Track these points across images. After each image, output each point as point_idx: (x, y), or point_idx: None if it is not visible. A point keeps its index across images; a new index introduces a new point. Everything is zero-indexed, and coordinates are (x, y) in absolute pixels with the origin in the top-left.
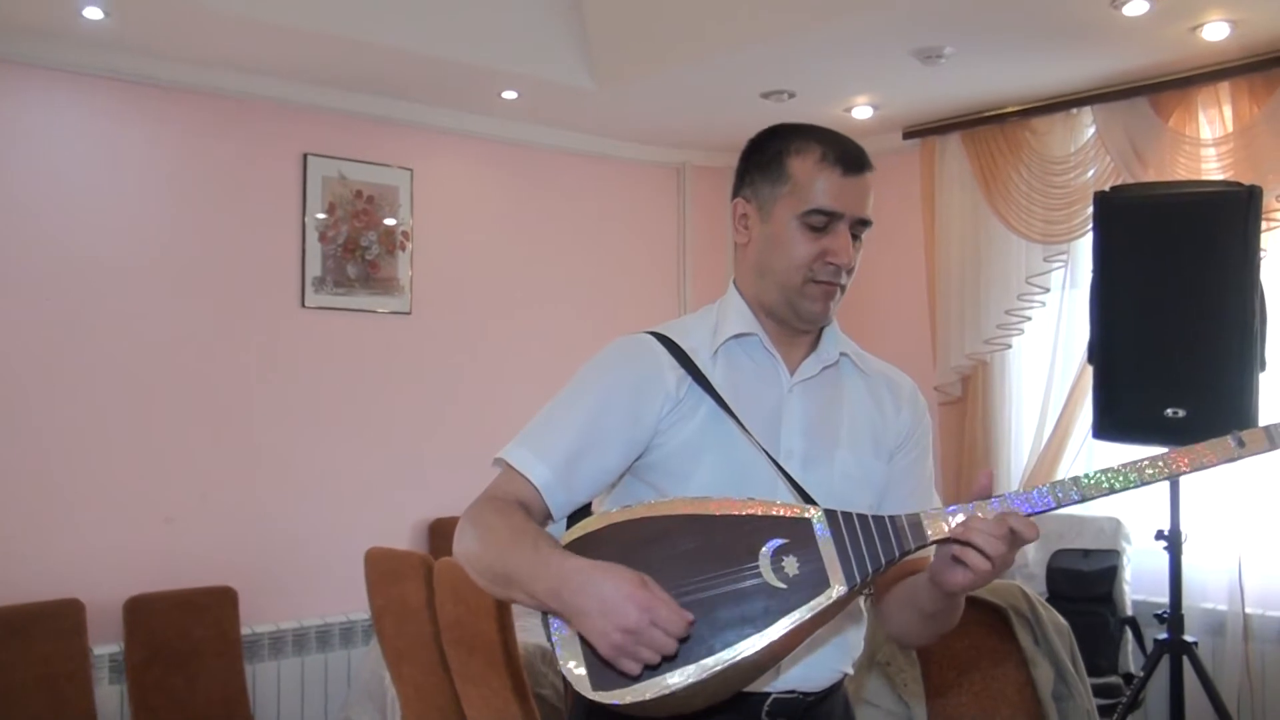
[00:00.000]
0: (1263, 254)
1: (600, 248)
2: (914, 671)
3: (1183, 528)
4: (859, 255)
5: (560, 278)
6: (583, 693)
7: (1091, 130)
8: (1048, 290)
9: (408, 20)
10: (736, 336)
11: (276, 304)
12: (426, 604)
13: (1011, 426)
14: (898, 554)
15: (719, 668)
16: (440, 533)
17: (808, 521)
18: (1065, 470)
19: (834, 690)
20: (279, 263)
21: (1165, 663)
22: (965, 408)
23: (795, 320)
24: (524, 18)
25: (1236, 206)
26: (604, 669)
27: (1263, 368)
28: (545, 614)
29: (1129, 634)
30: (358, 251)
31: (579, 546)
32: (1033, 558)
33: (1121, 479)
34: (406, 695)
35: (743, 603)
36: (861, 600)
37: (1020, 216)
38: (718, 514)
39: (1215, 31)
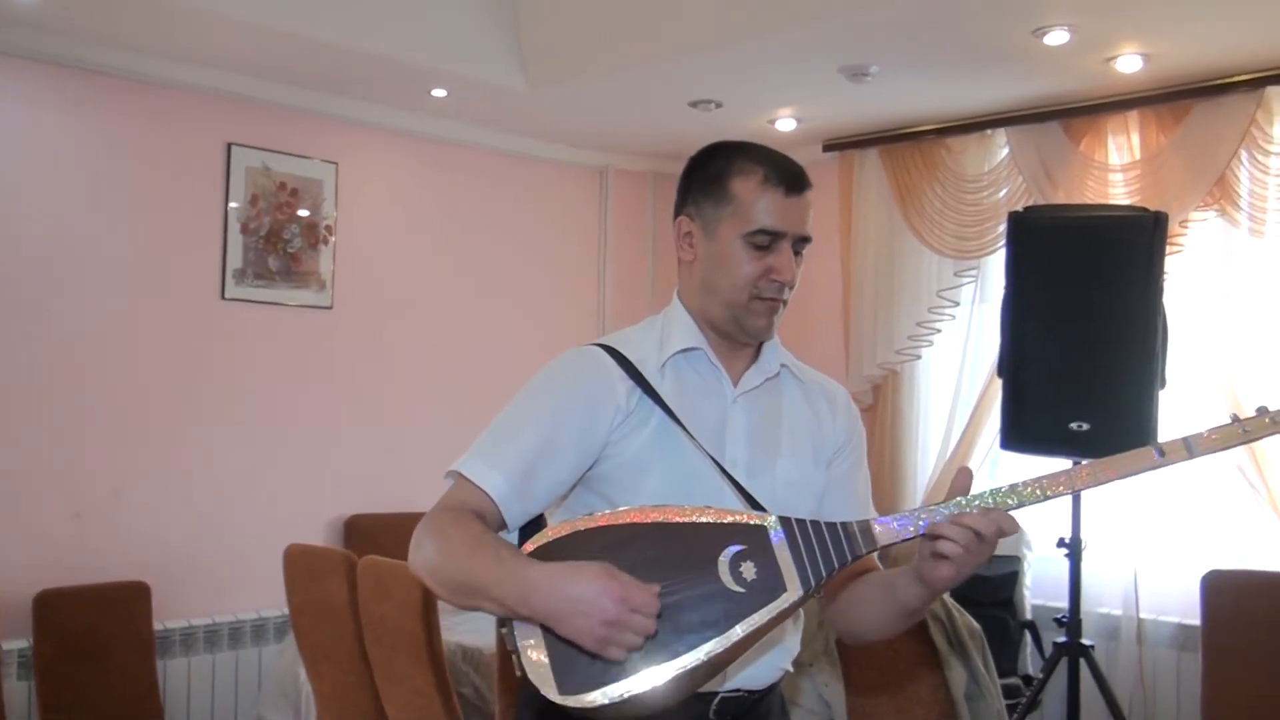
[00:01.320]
0: (1165, 277)
1: (523, 248)
2: (835, 672)
3: (1082, 536)
4: (800, 271)
5: (482, 277)
6: (549, 697)
7: (1005, 151)
8: (958, 304)
9: (339, 13)
10: (683, 350)
11: (196, 295)
12: (348, 602)
13: (919, 435)
14: (850, 558)
15: (682, 670)
16: (356, 530)
17: (764, 528)
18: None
19: (774, 687)
20: (200, 253)
21: (1063, 665)
22: (876, 415)
23: (740, 335)
24: (458, 17)
25: (1143, 231)
26: (570, 673)
27: (1163, 385)
28: (508, 623)
29: (1028, 637)
30: (279, 244)
31: (543, 554)
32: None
33: (1055, 486)
34: (323, 693)
35: (703, 607)
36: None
37: (933, 231)
38: (677, 521)
39: (1129, 63)
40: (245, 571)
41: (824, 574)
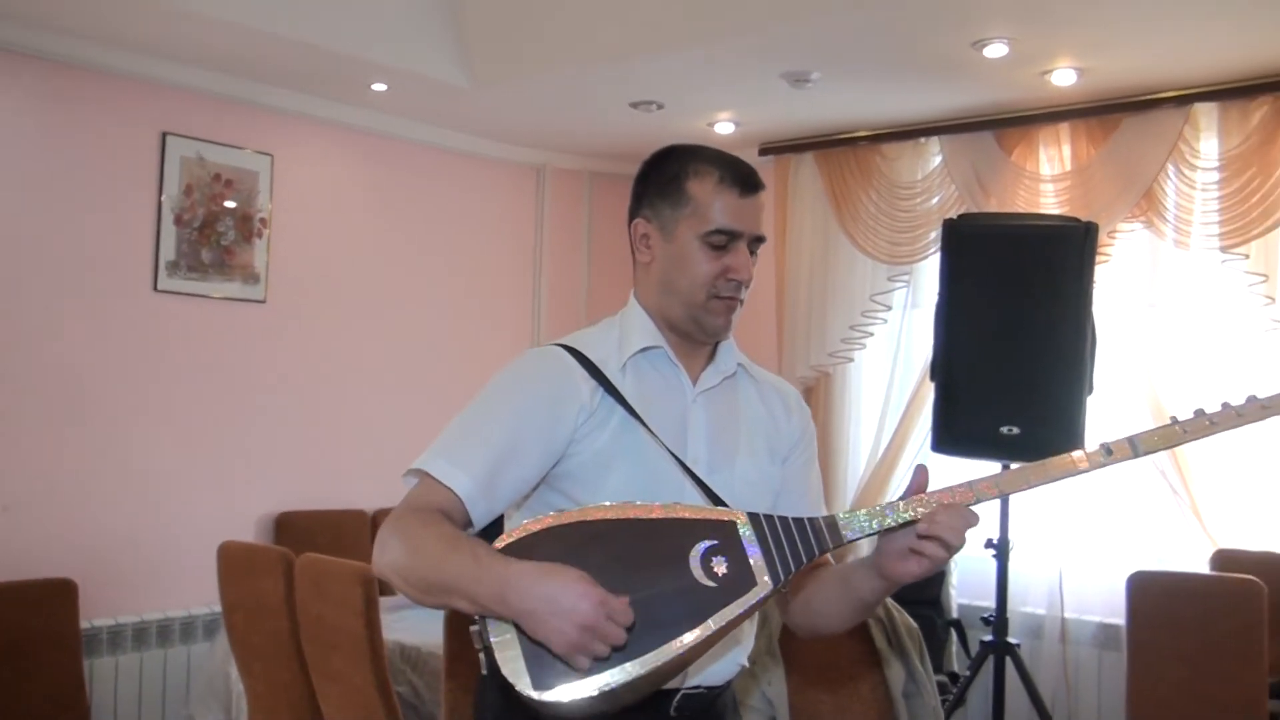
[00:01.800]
0: (1094, 286)
1: (460, 244)
2: (778, 671)
3: (1010, 537)
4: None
5: (418, 272)
6: (524, 693)
7: (939, 159)
8: (890, 308)
9: (281, 3)
10: (644, 350)
11: (128, 286)
12: (284, 600)
13: (851, 437)
14: (817, 552)
15: (657, 664)
16: (286, 527)
17: (733, 524)
18: (899, 481)
19: (730, 684)
20: (132, 244)
21: (989, 662)
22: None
23: (699, 334)
24: (400, 10)
25: (1074, 240)
26: (544, 670)
27: (1091, 391)
28: (480, 620)
29: (954, 636)
30: (213, 236)
31: (514, 552)
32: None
33: (1012, 483)
34: (256, 692)
35: (676, 602)
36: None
37: (867, 236)
38: (648, 518)
39: (1063, 77)
40: (175, 568)
41: (793, 568)
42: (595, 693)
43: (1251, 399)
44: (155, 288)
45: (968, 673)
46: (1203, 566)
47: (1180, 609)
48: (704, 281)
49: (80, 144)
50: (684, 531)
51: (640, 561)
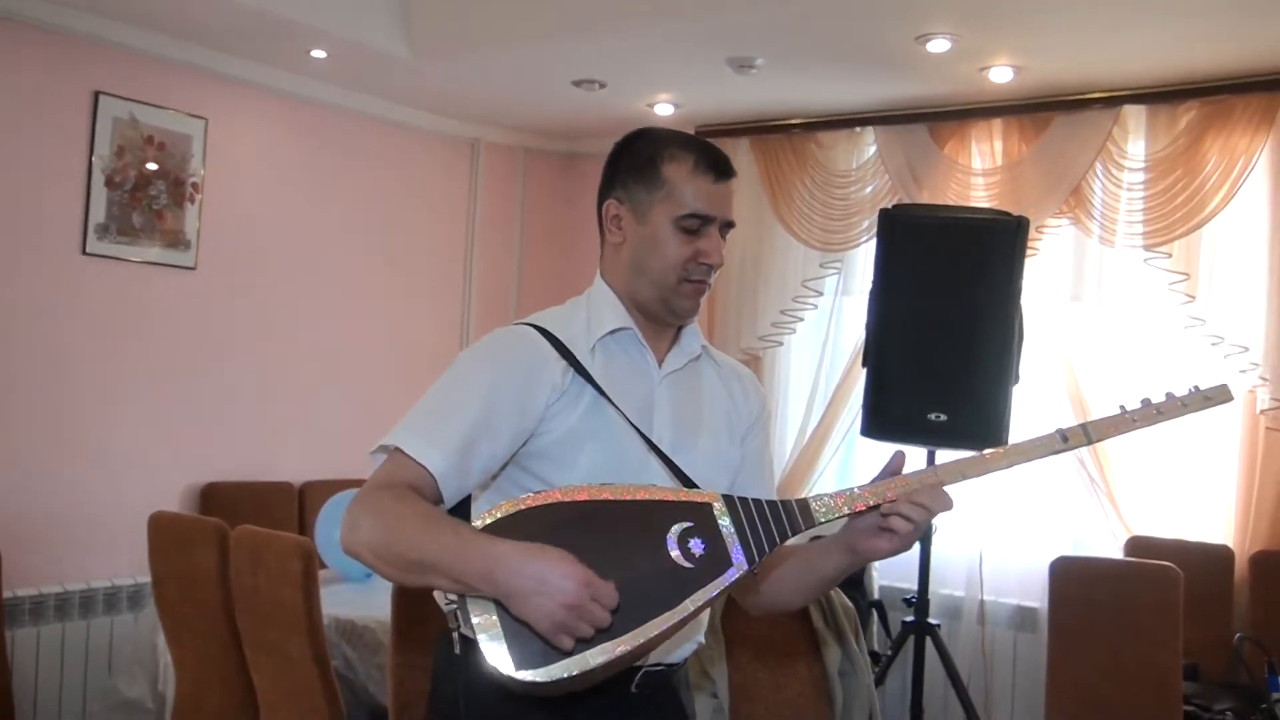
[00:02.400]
0: (1023, 279)
1: (393, 216)
2: (720, 648)
3: (933, 521)
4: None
5: (351, 244)
6: (505, 672)
7: (873, 149)
8: (821, 294)
9: None
10: (613, 331)
11: (56, 249)
12: (218, 571)
13: (779, 419)
14: (790, 534)
15: (636, 644)
16: (213, 497)
17: (709, 505)
18: (826, 464)
19: (686, 661)
20: (61, 205)
21: (910, 642)
22: None
23: (668, 316)
24: None
25: (1005, 234)
26: (525, 649)
27: (1016, 381)
28: (460, 599)
29: (876, 616)
30: (145, 200)
31: (494, 531)
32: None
33: (974, 467)
34: (185, 664)
35: (654, 582)
36: None
37: (801, 223)
38: (625, 499)
39: (1001, 74)
40: (99, 538)
41: (767, 549)
42: (577, 672)
43: (1194, 389)
44: (84, 250)
45: (889, 652)
46: (1117, 553)
47: (1099, 593)
48: (676, 264)
49: (10, 100)
50: (660, 513)
51: (618, 543)
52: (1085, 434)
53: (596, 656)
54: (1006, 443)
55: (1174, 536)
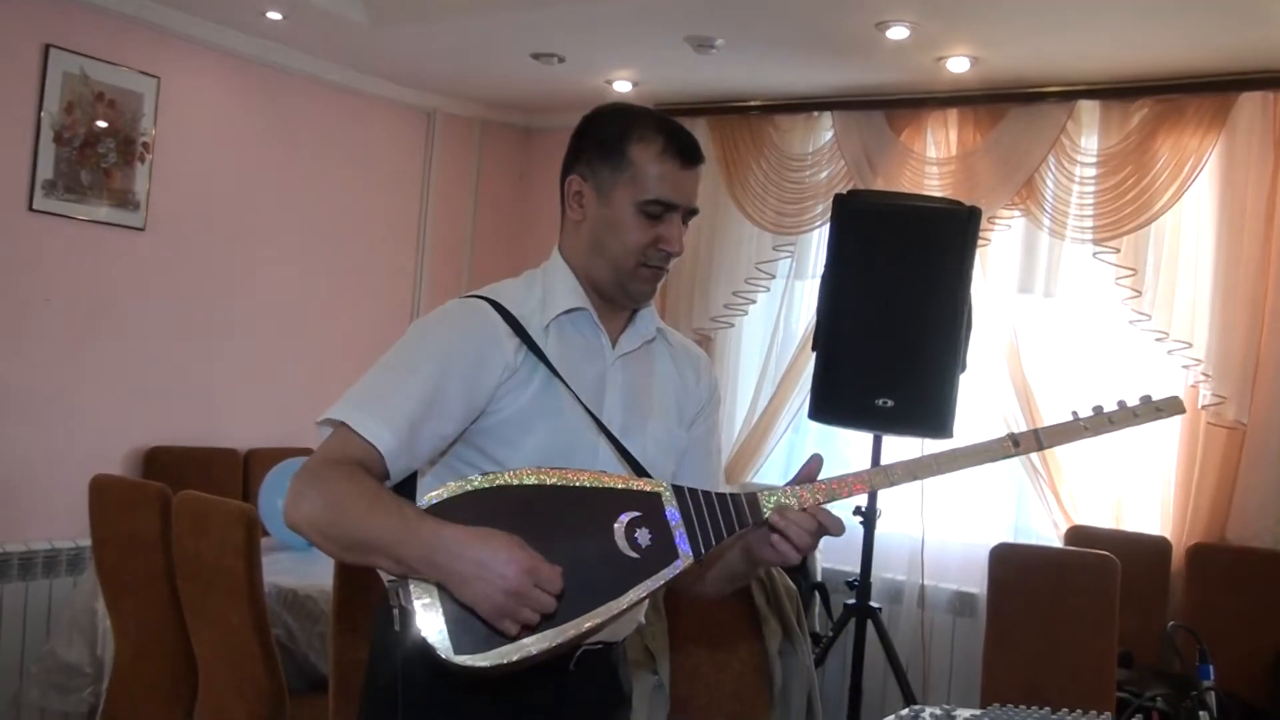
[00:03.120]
0: (974, 268)
1: (347, 183)
2: (661, 626)
3: (877, 506)
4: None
5: (303, 211)
6: (445, 658)
7: (830, 134)
8: (774, 277)
9: None
10: (568, 311)
11: (1, 204)
12: (160, 537)
13: (727, 401)
14: (737, 528)
15: (575, 632)
16: (157, 461)
17: (657, 496)
18: (773, 447)
19: (624, 639)
20: (7, 160)
21: (851, 624)
22: None
23: (623, 299)
24: None
25: (957, 223)
26: (465, 634)
27: (963, 369)
28: (401, 579)
29: (817, 598)
30: (94, 158)
31: (438, 513)
32: None
33: (924, 469)
34: (123, 629)
35: (598, 570)
36: None
37: (755, 205)
38: (574, 485)
39: (958, 65)
40: (40, 499)
41: (713, 542)
42: (517, 658)
43: (1145, 399)
44: (30, 207)
45: (830, 634)
46: (1057, 542)
47: (1038, 580)
48: (635, 249)
49: None
50: (608, 501)
51: (564, 528)
52: (1037, 439)
53: (538, 644)
54: (952, 430)
55: (1113, 527)
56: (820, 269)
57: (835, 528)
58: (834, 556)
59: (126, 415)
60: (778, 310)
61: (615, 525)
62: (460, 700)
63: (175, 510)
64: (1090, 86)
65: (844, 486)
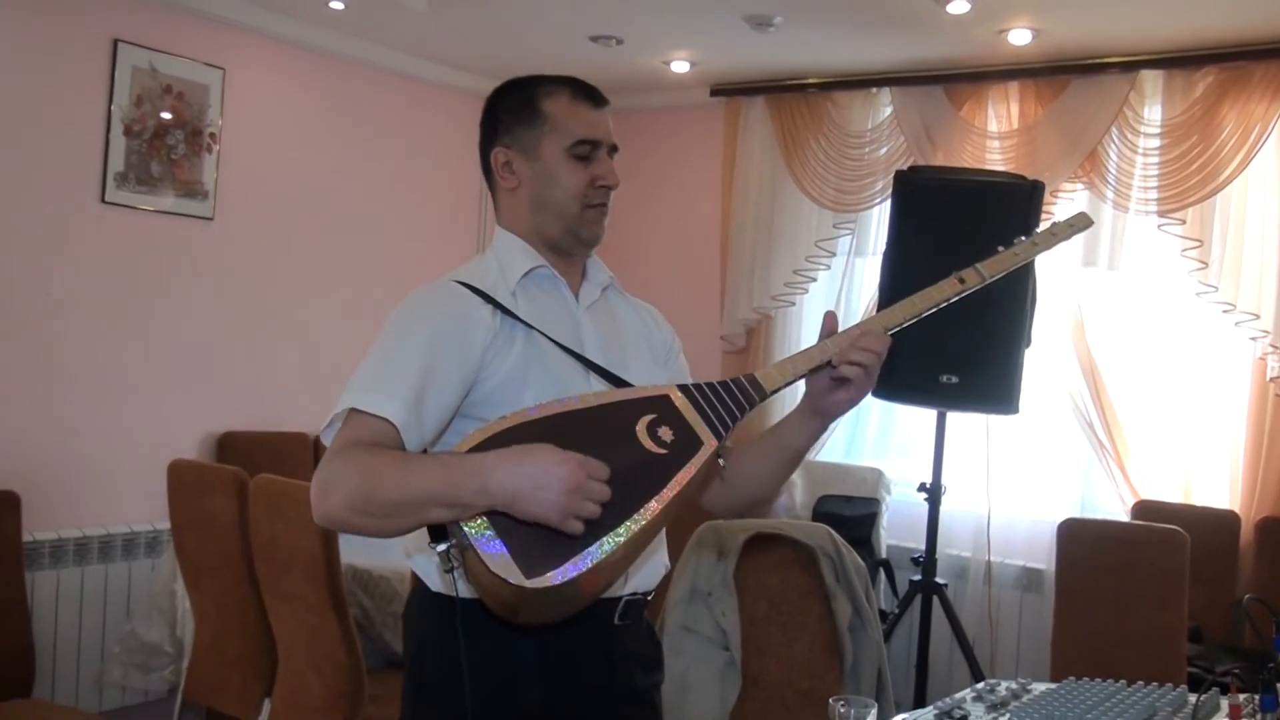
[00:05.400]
0: None
1: (409, 169)
2: (731, 602)
3: (942, 482)
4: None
5: (367, 196)
6: (517, 584)
7: (889, 110)
8: (834, 255)
9: None
10: (528, 272)
11: (75, 197)
12: (237, 519)
13: None
14: (748, 406)
15: (635, 530)
16: (230, 446)
17: (666, 396)
18: (837, 425)
19: (653, 591)
20: (80, 154)
21: (917, 601)
22: (747, 358)
23: (576, 247)
24: None
25: (1021, 197)
26: (531, 559)
27: (1028, 344)
28: (457, 530)
29: (882, 575)
30: (163, 150)
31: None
32: (800, 501)
33: (898, 315)
34: (204, 609)
35: (637, 472)
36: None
37: (815, 183)
38: (587, 407)
39: (1019, 36)
40: (117, 484)
41: (730, 423)
42: (588, 567)
43: (1057, 222)
44: (103, 199)
45: (896, 610)
46: (1124, 517)
47: (1106, 555)
48: (576, 192)
49: (31, 48)
50: (624, 411)
51: (593, 445)
52: (978, 273)
53: (605, 547)
54: (1018, 406)
55: (1181, 501)
56: (881, 246)
57: (885, 343)
58: (898, 533)
59: (198, 401)
60: (839, 288)
61: (637, 429)
62: (509, 667)
63: (252, 493)
64: (1153, 56)
65: (832, 346)
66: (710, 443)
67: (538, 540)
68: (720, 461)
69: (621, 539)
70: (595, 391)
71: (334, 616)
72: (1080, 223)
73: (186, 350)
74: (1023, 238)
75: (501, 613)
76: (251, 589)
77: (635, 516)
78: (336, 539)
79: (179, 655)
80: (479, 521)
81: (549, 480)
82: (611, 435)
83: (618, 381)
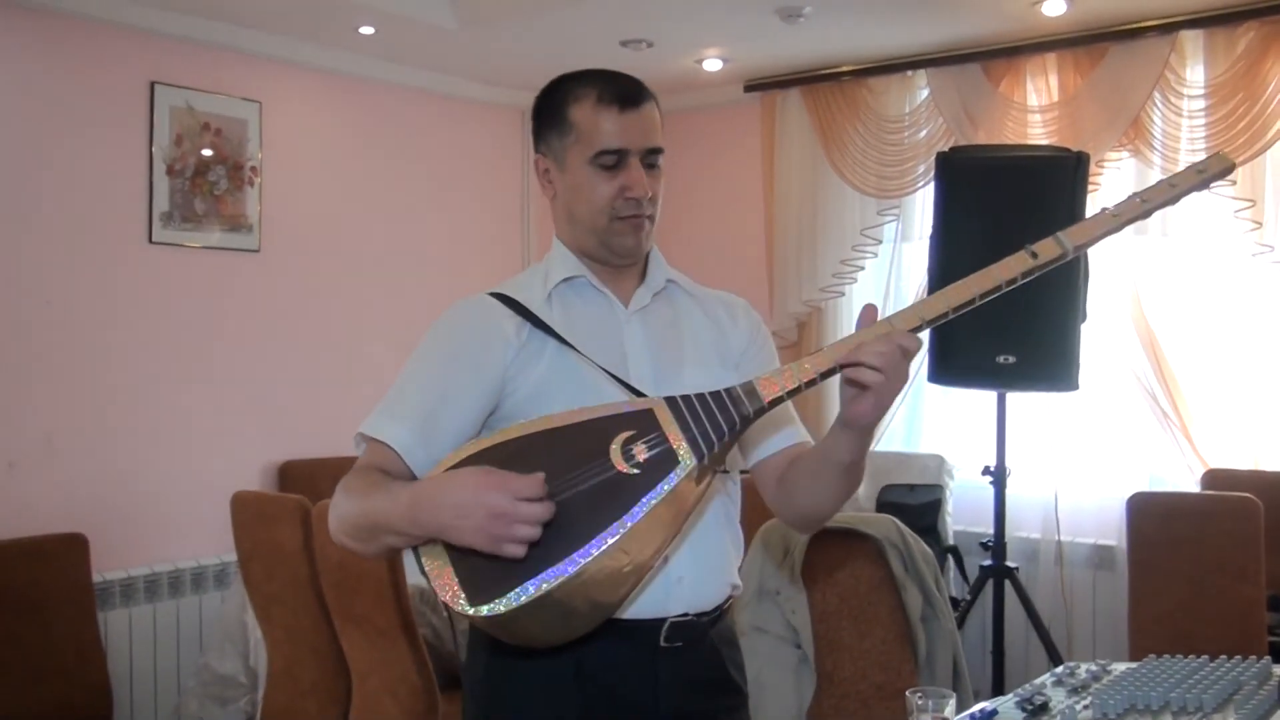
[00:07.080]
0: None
1: (448, 188)
2: (800, 599)
3: (1006, 464)
4: (660, 182)
5: (408, 217)
6: (464, 612)
7: (925, 92)
8: (880, 242)
9: None
10: (565, 280)
11: (123, 239)
12: (302, 547)
13: None
14: (738, 420)
15: (588, 561)
16: (290, 475)
17: (649, 410)
18: (894, 413)
19: (723, 613)
20: (125, 196)
21: (988, 586)
22: (800, 352)
23: (612, 257)
24: None
25: (1065, 170)
26: (477, 582)
27: (1084, 319)
28: (415, 556)
29: (951, 562)
30: (205, 186)
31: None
32: (863, 493)
33: (931, 309)
34: (275, 638)
35: (603, 495)
36: (738, 521)
37: (856, 171)
38: (568, 423)
39: (1053, 7)
40: (182, 519)
41: (715, 441)
42: (532, 597)
43: (1189, 167)
44: (150, 239)
45: (967, 597)
46: (1194, 487)
47: (1179, 528)
48: (602, 205)
49: (69, 95)
50: (604, 428)
51: (563, 465)
52: (1059, 243)
53: (548, 581)
54: (1077, 382)
55: (1251, 468)
56: (927, 230)
57: (911, 342)
58: (965, 519)
59: (257, 432)
60: (887, 275)
61: (611, 448)
62: (542, 691)
63: (315, 520)
64: (1191, 15)
65: (840, 349)
66: (689, 462)
67: (486, 566)
68: (728, 474)
69: (570, 572)
70: (585, 408)
71: (404, 638)
72: (1213, 167)
73: (242, 382)
74: (1131, 197)
75: (489, 633)
76: (321, 615)
77: (589, 547)
78: (401, 561)
79: (253, 685)
80: (431, 548)
81: (470, 508)
82: (583, 454)
83: (636, 393)
